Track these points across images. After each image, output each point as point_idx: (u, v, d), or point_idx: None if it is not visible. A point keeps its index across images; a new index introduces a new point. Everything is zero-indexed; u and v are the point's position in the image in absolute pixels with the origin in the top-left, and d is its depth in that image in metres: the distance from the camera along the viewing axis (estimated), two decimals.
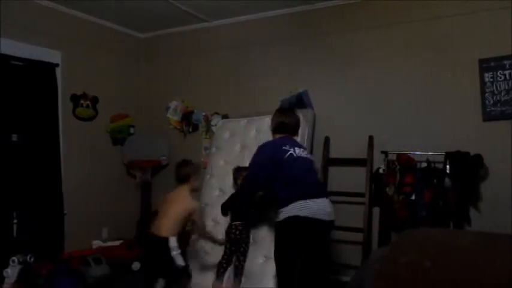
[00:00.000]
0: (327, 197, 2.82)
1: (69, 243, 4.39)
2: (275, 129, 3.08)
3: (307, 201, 2.67)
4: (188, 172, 3.09)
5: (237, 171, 3.53)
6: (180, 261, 2.89)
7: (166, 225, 2.88)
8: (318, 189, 2.84)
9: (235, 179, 3.54)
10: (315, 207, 2.67)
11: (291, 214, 2.66)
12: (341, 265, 4.02)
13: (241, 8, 4.57)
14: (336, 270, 4.08)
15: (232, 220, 3.34)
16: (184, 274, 3.06)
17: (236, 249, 3.30)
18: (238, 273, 3.26)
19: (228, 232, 3.34)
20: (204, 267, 3.50)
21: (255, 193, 3.11)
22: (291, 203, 2.68)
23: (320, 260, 2.87)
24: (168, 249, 2.83)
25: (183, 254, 3.02)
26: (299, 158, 2.83)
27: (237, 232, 3.28)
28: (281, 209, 2.73)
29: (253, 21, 4.78)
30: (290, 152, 2.81)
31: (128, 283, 4.18)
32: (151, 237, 2.93)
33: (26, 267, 3.68)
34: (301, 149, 2.93)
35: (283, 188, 2.78)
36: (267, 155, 2.87)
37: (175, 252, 2.86)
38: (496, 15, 3.60)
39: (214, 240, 3.35)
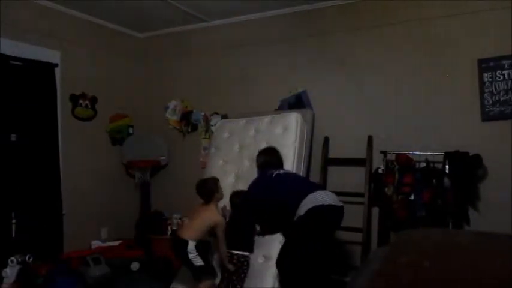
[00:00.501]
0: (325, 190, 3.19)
1: (68, 243, 4.39)
2: (260, 167, 3.42)
3: (314, 193, 2.96)
4: (210, 190, 3.32)
5: (235, 195, 3.50)
6: (197, 262, 3.13)
7: (190, 231, 3.18)
8: (317, 185, 3.17)
9: (232, 203, 3.50)
10: (324, 197, 2.97)
11: (311, 206, 2.90)
12: (340, 265, 4.02)
13: (241, 8, 4.57)
14: (335, 270, 4.08)
15: (231, 247, 3.27)
16: (204, 273, 3.19)
17: (234, 278, 3.23)
18: None
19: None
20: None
21: (251, 220, 3.31)
22: (301, 202, 2.93)
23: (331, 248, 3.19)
24: (186, 251, 3.11)
25: (204, 256, 3.21)
26: (286, 173, 3.30)
27: (238, 263, 3.24)
28: (297, 210, 2.95)
29: (253, 21, 4.77)
30: (276, 172, 3.23)
31: (127, 283, 4.18)
32: (175, 238, 3.25)
33: (25, 267, 3.68)
34: (283, 170, 3.34)
35: (285, 196, 3.09)
36: (257, 183, 3.26)
37: (192, 256, 3.11)
38: (496, 15, 3.61)
39: (223, 261, 3.26)
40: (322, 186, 3.33)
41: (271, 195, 3.14)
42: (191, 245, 3.12)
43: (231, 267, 3.20)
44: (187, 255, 3.11)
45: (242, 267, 3.24)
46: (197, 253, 3.13)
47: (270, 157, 3.44)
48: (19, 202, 4.06)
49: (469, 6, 3.72)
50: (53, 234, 4.29)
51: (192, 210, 3.41)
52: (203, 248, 3.24)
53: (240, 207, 3.36)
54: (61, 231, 4.37)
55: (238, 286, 3.23)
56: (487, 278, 1.00)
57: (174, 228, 4.73)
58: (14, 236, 3.99)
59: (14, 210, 4.03)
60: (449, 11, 3.80)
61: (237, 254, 3.24)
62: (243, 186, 3.62)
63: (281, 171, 3.29)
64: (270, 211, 3.20)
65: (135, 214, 5.16)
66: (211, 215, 3.21)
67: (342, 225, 4.08)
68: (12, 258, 3.64)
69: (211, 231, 3.24)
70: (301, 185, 3.19)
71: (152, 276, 4.30)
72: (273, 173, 3.23)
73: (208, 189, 3.32)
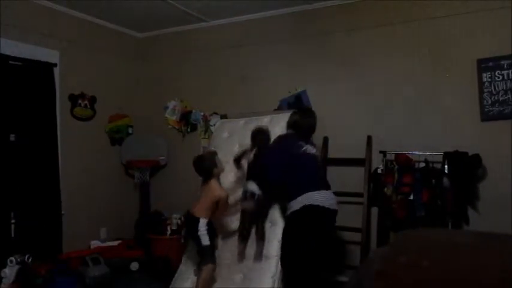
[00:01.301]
0: (329, 190, 3.12)
1: (68, 243, 4.38)
2: (293, 127, 3.30)
3: (314, 192, 2.96)
4: (207, 167, 3.28)
5: (259, 133, 3.47)
6: (204, 241, 3.19)
7: (199, 208, 3.25)
8: (323, 183, 3.12)
9: (255, 143, 3.43)
10: (323, 198, 2.97)
11: (306, 203, 2.92)
12: (339, 265, 4.02)
13: (241, 8, 4.56)
14: (334, 270, 4.08)
15: (249, 178, 3.26)
16: (208, 254, 3.24)
17: (254, 216, 3.30)
18: (259, 236, 3.28)
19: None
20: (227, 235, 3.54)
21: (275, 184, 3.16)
22: (299, 195, 2.95)
23: (328, 246, 3.17)
24: (197, 228, 3.18)
25: (211, 235, 3.27)
26: (310, 154, 3.15)
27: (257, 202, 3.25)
28: (290, 202, 3.00)
29: (252, 21, 4.77)
30: (304, 148, 3.12)
31: (126, 283, 4.18)
32: (189, 216, 3.33)
33: (24, 268, 3.68)
34: (312, 146, 3.22)
35: (293, 179, 3.05)
36: (284, 147, 3.17)
37: (201, 233, 3.18)
38: (495, 15, 3.61)
39: (243, 211, 3.30)
40: (326, 184, 3.19)
41: (289, 166, 3.05)
42: (202, 223, 3.19)
43: (248, 204, 3.17)
44: (197, 232, 3.17)
45: (261, 205, 3.21)
46: (206, 231, 3.19)
47: (307, 121, 3.27)
48: (18, 202, 4.06)
49: (469, 6, 3.72)
50: (52, 234, 4.28)
51: (201, 188, 3.45)
52: (212, 229, 3.28)
53: (267, 157, 3.22)
54: (60, 231, 4.37)
55: (260, 222, 3.27)
56: (486, 278, 1.01)
57: (174, 228, 4.73)
58: (13, 236, 3.99)
59: (13, 210, 4.02)
60: (449, 11, 3.80)
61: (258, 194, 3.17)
62: (242, 185, 3.64)
63: (308, 150, 3.12)
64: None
65: (135, 214, 5.16)
66: (213, 191, 3.24)
67: (341, 225, 4.11)
68: (12, 258, 3.63)
69: (217, 205, 3.25)
70: (311, 177, 3.09)
71: (151, 276, 4.30)
72: (302, 146, 3.10)
73: (206, 166, 3.29)
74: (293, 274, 3.03)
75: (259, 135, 3.45)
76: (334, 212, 3.04)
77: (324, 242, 3.07)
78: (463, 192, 3.52)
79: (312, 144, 3.28)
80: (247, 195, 3.20)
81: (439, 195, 3.54)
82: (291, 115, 3.40)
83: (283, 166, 3.06)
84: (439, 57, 3.87)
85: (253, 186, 3.17)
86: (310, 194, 2.95)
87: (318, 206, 2.92)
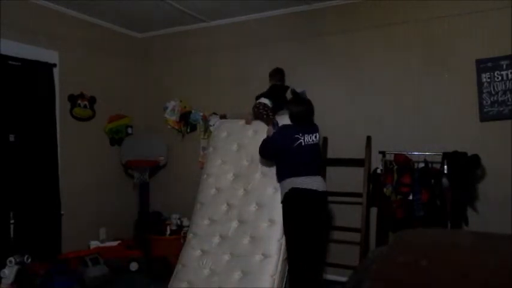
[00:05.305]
0: (319, 175, 3.40)
1: (67, 243, 4.38)
2: (295, 119, 3.49)
3: (299, 177, 3.26)
4: None
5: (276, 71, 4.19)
6: None
7: None
8: (311, 169, 3.35)
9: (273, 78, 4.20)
10: (307, 181, 3.25)
11: (290, 187, 3.26)
12: (338, 265, 4.02)
13: (240, 8, 4.57)
14: (333, 270, 4.09)
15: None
16: None
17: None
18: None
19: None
20: None
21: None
22: (284, 179, 3.32)
23: (320, 225, 3.38)
24: None
25: None
26: (306, 145, 3.35)
27: (265, 111, 3.76)
28: (280, 184, 3.39)
29: (253, 21, 4.78)
30: (300, 140, 3.34)
31: (126, 283, 4.18)
32: None
33: (23, 268, 3.68)
34: (310, 135, 3.39)
35: (283, 165, 3.39)
36: (281, 138, 3.42)
37: None
38: (494, 16, 3.62)
39: None
40: (315, 170, 3.40)
41: (283, 153, 3.38)
42: None
43: None
44: None
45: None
46: None
47: (306, 108, 3.49)
48: (18, 202, 4.05)
49: (468, 6, 3.72)
50: (52, 234, 4.28)
51: None
52: None
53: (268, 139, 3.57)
54: (59, 232, 4.37)
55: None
56: (485, 278, 1.01)
57: (173, 228, 4.73)
58: (12, 236, 3.99)
59: (13, 211, 4.02)
60: (448, 11, 3.81)
61: (260, 102, 4.00)
62: (242, 184, 3.69)
63: (304, 142, 3.35)
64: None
65: (134, 214, 5.16)
66: None
67: (340, 225, 4.12)
68: (11, 258, 3.63)
69: None
70: (300, 165, 3.32)
71: (151, 276, 4.30)
72: (298, 139, 3.33)
73: None
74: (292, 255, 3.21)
75: (278, 74, 4.05)
76: (319, 193, 3.27)
77: (314, 220, 3.26)
78: (462, 192, 3.52)
79: (311, 131, 3.43)
80: None
81: (438, 195, 3.54)
82: (292, 106, 3.57)
83: (276, 150, 3.42)
84: (438, 57, 3.87)
85: None
86: (293, 178, 3.26)
87: (300, 189, 3.21)
